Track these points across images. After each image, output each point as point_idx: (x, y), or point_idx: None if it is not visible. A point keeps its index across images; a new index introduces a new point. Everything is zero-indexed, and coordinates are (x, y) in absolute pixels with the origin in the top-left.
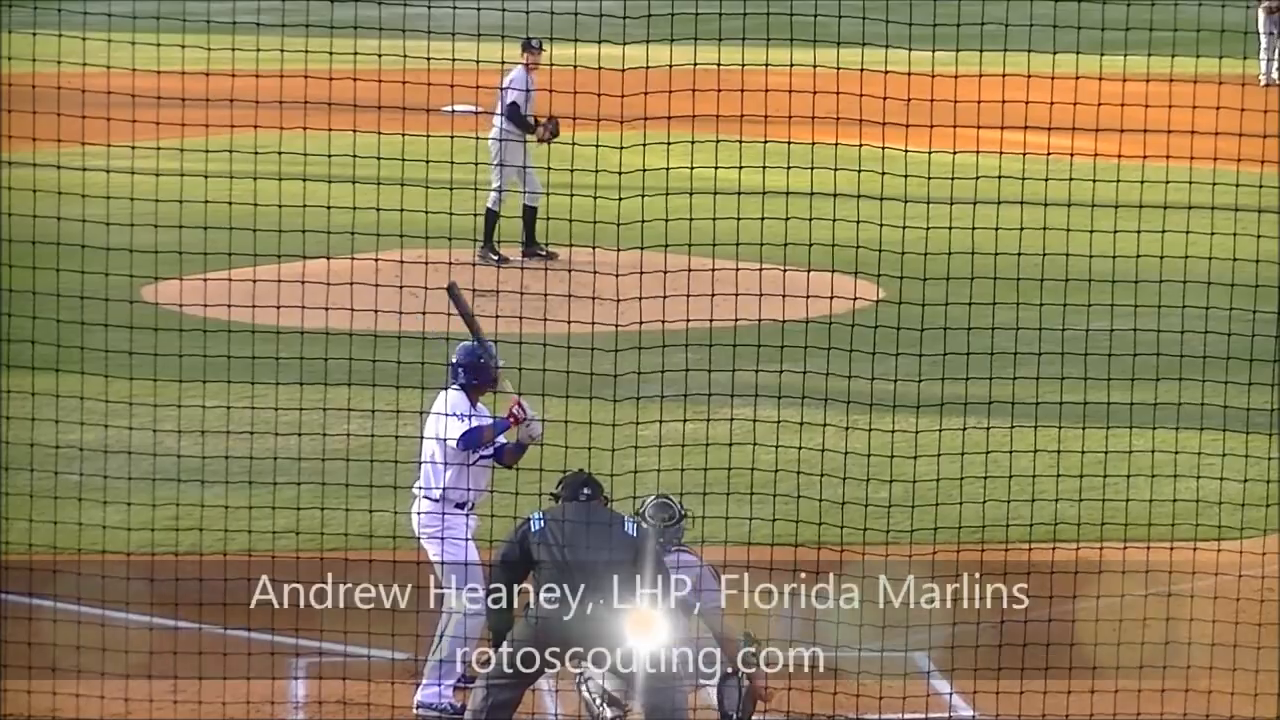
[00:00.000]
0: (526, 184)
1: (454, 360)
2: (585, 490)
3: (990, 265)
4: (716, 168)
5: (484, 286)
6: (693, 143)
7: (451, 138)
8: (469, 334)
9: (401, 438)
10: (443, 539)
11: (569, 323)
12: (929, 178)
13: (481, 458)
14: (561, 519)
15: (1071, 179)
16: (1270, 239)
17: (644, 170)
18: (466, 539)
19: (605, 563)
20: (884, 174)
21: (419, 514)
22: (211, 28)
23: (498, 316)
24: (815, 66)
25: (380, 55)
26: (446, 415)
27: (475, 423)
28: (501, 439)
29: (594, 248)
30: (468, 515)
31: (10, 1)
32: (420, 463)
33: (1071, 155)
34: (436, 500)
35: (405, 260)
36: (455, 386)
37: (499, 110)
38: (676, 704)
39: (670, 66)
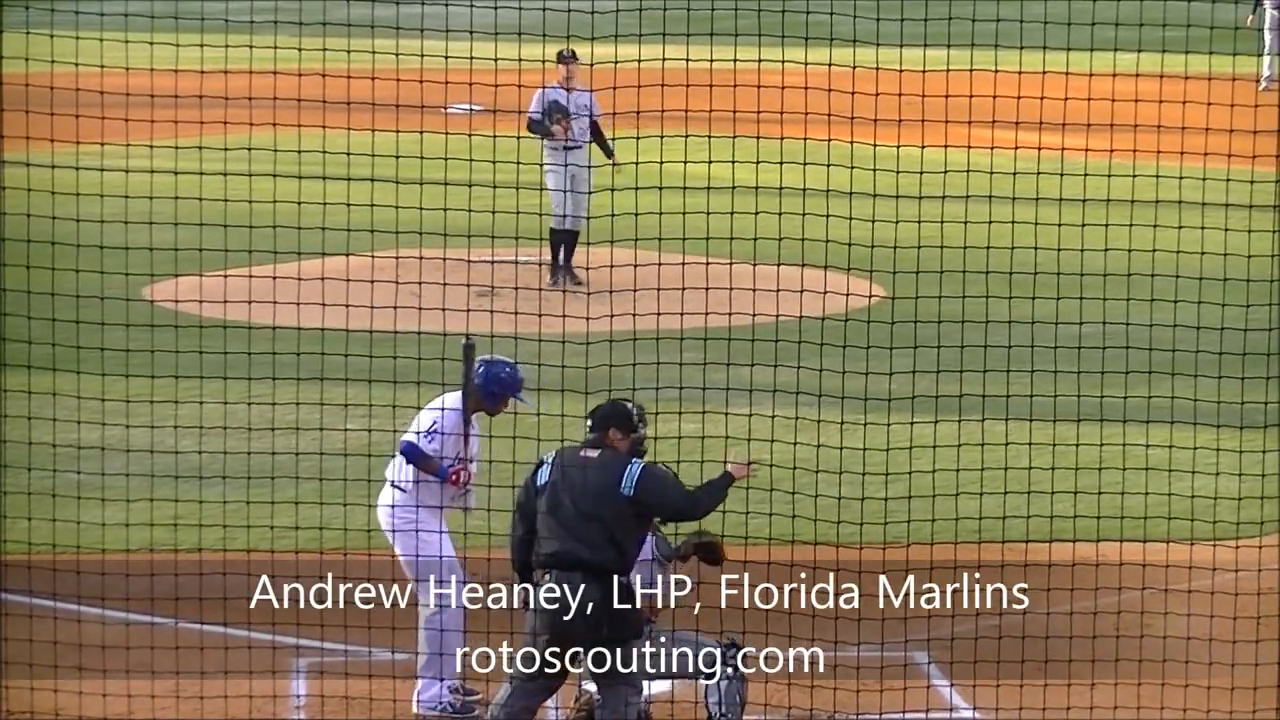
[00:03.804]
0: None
1: (477, 372)
2: (593, 433)
3: (982, 260)
4: (709, 163)
5: (485, 284)
6: (685, 138)
7: (445, 135)
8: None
9: (400, 435)
10: (401, 532)
11: (563, 318)
12: (920, 173)
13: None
14: (564, 468)
15: (1062, 174)
16: (1263, 234)
17: (635, 163)
18: (440, 531)
19: (595, 516)
20: (874, 169)
21: (388, 507)
22: (205, 25)
23: (492, 312)
24: (806, 64)
25: (374, 54)
26: (434, 412)
27: (434, 448)
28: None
29: (587, 245)
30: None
31: (28, 4)
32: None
33: (1062, 150)
34: (406, 491)
35: (401, 257)
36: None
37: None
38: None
39: (662, 62)
